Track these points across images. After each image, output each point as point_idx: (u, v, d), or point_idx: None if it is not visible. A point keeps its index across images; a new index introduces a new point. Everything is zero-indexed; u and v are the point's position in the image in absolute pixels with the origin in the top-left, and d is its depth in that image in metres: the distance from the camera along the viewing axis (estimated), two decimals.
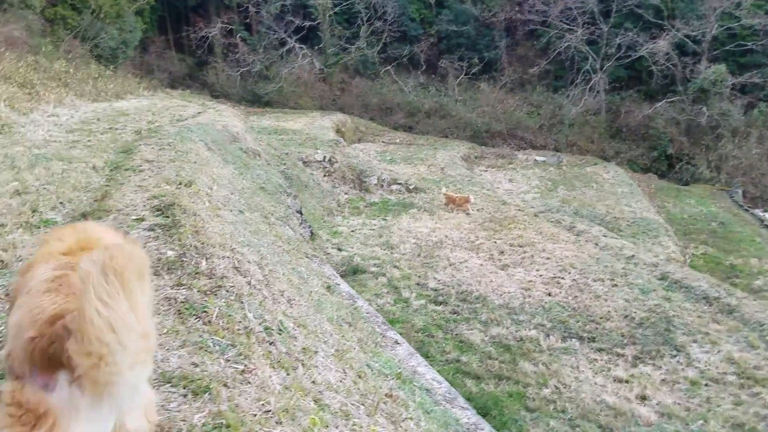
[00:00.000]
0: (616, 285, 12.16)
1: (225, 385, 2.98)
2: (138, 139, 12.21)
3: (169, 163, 9.04)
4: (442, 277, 12.97)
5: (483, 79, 42.59)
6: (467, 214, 18.62)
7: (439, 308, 11.35)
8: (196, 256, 4.40)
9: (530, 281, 12.51)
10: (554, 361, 9.13)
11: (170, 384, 2.89)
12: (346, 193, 20.82)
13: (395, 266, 13.83)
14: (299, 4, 43.61)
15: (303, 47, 42.82)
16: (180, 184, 7.29)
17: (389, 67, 44.15)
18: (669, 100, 35.87)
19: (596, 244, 15.23)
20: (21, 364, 1.81)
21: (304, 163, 20.92)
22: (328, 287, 6.64)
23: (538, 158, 34.76)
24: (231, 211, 7.65)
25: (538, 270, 13.23)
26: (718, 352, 9.20)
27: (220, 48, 44.27)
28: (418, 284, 12.69)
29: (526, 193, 25.57)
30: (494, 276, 12.88)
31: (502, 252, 14.65)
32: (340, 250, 15.37)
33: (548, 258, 14.02)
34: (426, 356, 9.41)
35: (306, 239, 12.91)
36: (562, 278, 12.66)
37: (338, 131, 33.72)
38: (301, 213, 15.26)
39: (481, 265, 13.71)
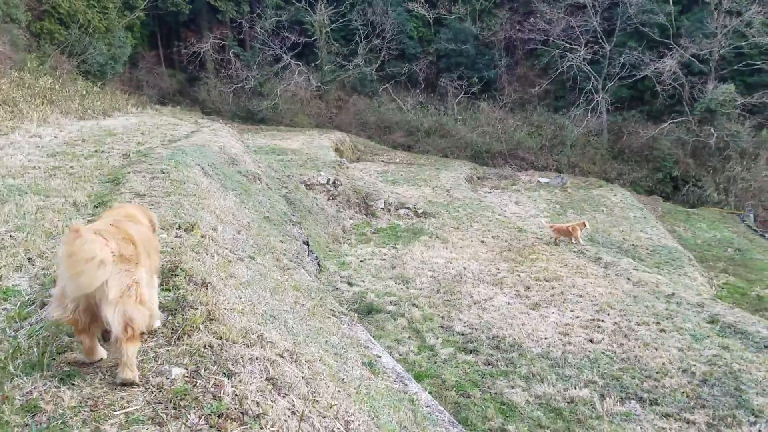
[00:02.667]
0: (663, 330, 10.87)
1: None
2: (127, 164, 10.84)
3: (165, 197, 7.68)
4: (468, 318, 11.61)
5: (483, 98, 41.69)
6: (581, 240, 17.62)
7: (471, 358, 9.98)
8: (215, 370, 3.05)
9: (567, 324, 11.18)
10: (616, 430, 7.79)
11: None
12: (351, 218, 19.49)
13: (414, 304, 12.47)
14: (295, 20, 42.63)
15: (299, 64, 41.76)
16: (180, 228, 5.93)
17: (387, 85, 43.17)
18: (674, 120, 34.99)
19: (629, 279, 13.97)
20: None
21: (307, 186, 19.58)
22: (371, 365, 5.29)
23: (541, 179, 33.72)
24: (242, 259, 6.29)
25: (572, 310, 11.91)
26: None
27: (213, 64, 43.11)
28: (442, 327, 11.33)
29: (534, 217, 24.32)
30: (526, 318, 11.53)
31: (529, 288, 13.34)
32: (350, 284, 13.99)
33: (581, 296, 12.73)
34: (465, 423, 8.05)
35: (325, 285, 11.56)
36: (602, 321, 11.35)
37: (337, 150, 32.54)
38: (308, 244, 13.89)
39: (509, 303, 12.38)
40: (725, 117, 32.99)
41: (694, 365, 9.45)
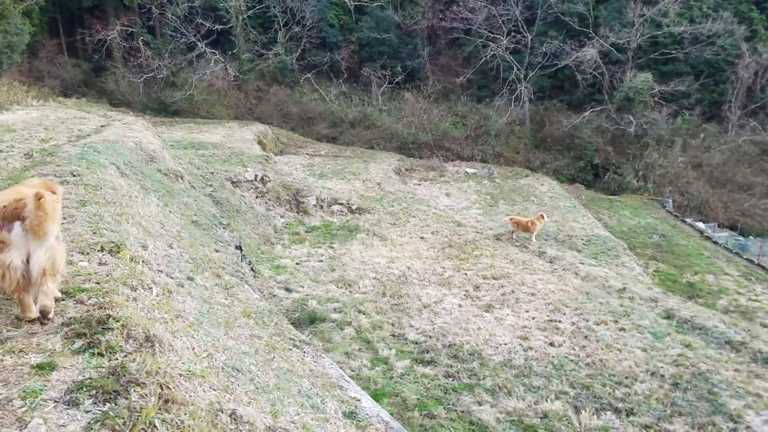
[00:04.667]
0: (623, 329, 10.58)
1: None
2: (30, 165, 9.20)
3: (79, 208, 6.33)
4: (421, 324, 10.85)
5: (407, 88, 41.13)
6: (534, 239, 16.95)
7: (429, 371, 9.21)
8: None
9: (524, 327, 10.66)
10: None
11: None
12: (282, 217, 18.26)
13: (360, 311, 11.57)
14: (209, 6, 40.27)
15: (215, 52, 39.51)
16: (103, 250, 4.71)
17: (309, 75, 41.71)
18: (594, 109, 35.89)
19: (576, 274, 13.73)
20: None
21: (233, 183, 18.14)
22: (353, 415, 4.35)
23: (468, 170, 33.66)
24: (182, 284, 5.15)
25: (527, 311, 11.43)
26: None
27: (120, 52, 39.99)
28: (393, 336, 10.49)
29: (467, 209, 24.01)
30: (481, 321, 10.91)
31: (478, 287, 12.77)
32: (288, 290, 12.88)
33: (533, 294, 12.30)
34: None
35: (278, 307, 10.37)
36: (559, 321, 10.92)
37: (260, 143, 30.94)
38: (240, 248, 12.64)
39: (461, 306, 11.73)
40: (642, 105, 34.13)
41: (662, 367, 9.15)
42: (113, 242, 4.89)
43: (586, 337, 10.26)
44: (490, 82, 41.42)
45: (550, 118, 38.84)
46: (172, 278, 5.12)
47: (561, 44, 35.68)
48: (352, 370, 9.36)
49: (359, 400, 4.69)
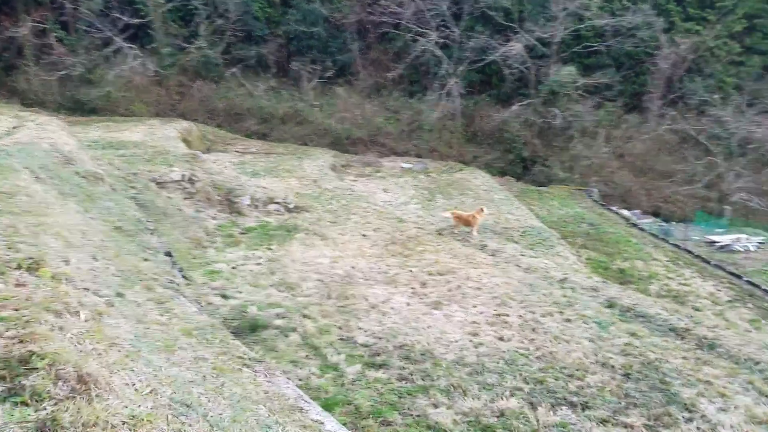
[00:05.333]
0: (568, 320, 10.61)
1: None
2: None
3: None
4: (369, 325, 10.47)
5: (339, 83, 40.56)
6: (476, 233, 16.61)
7: (382, 374, 8.84)
8: None
9: (473, 323, 10.48)
10: None
11: None
12: (214, 218, 17.38)
13: (305, 315, 11.06)
14: (126, 0, 38.14)
15: (133, 47, 37.49)
16: (20, 268, 4.04)
17: (235, 69, 40.29)
18: (522, 103, 36.60)
19: (518, 266, 13.76)
20: None
21: (158, 184, 17.10)
22: None
23: (404, 165, 33.55)
24: (112, 303, 4.53)
25: (475, 306, 11.28)
26: (735, 408, 7.90)
27: (31, 49, 37.22)
28: (342, 339, 10.06)
29: (405, 204, 23.85)
30: (430, 319, 10.66)
31: (425, 284, 12.53)
32: (225, 297, 12.16)
33: (479, 288, 12.18)
34: None
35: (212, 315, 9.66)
36: (507, 316, 10.82)
37: (185, 140, 29.59)
38: (170, 255, 11.83)
39: (408, 304, 11.44)
40: (566, 98, 35.07)
41: (611, 357, 9.20)
42: (31, 258, 4.22)
43: (533, 329, 10.21)
44: (421, 77, 41.45)
45: (480, 112, 39.31)
46: (100, 296, 4.49)
47: (488, 39, 36.12)
48: (301, 380, 8.86)
49: (323, 423, 4.26)
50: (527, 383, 8.51)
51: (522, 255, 14.87)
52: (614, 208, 29.61)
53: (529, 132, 36.92)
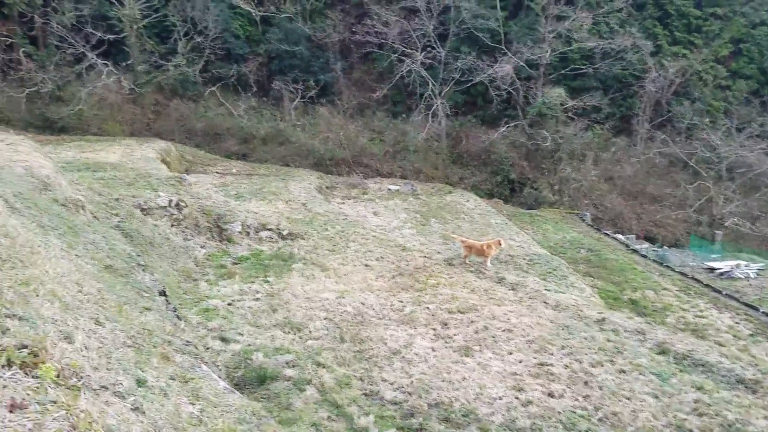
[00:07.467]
0: (623, 371, 9.52)
1: None
2: None
3: None
4: (395, 377, 9.21)
5: (321, 103, 39.51)
6: (490, 264, 15.45)
7: None
8: None
9: (515, 374, 9.32)
10: None
11: None
12: (203, 247, 15.96)
13: (319, 363, 9.75)
14: (100, 15, 36.59)
15: (107, 64, 35.82)
16: (11, 364, 2.74)
17: (214, 88, 38.93)
18: (509, 125, 36.03)
19: (545, 303, 12.67)
20: None
21: (143, 211, 15.63)
22: None
23: (391, 187, 32.46)
24: (139, 406, 3.23)
25: (511, 353, 10.12)
26: None
27: None
28: (366, 395, 8.78)
29: (399, 228, 22.70)
30: (463, 369, 9.46)
31: (446, 324, 11.34)
32: (224, 340, 10.79)
33: (509, 331, 11.03)
34: None
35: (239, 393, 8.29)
36: (551, 365, 9.68)
37: (164, 161, 28.07)
38: (165, 294, 10.42)
39: (434, 350, 10.22)
40: (554, 120, 34.60)
41: (684, 418, 8.14)
42: (25, 345, 2.93)
43: (586, 383, 9.09)
44: (405, 97, 40.70)
45: (466, 133, 38.65)
46: (124, 397, 3.20)
47: (474, 60, 35.56)
48: None
49: None
50: None
51: (546, 290, 13.80)
52: (609, 233, 28.97)
53: (517, 154, 36.35)
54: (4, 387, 2.52)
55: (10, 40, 35.02)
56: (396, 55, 37.66)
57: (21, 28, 36.53)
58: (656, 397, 8.82)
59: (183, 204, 16.90)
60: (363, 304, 12.47)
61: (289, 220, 19.28)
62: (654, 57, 35.02)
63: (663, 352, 10.47)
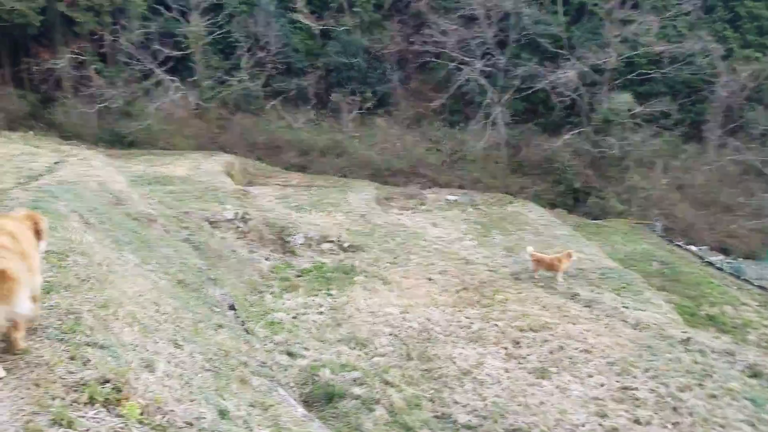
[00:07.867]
0: (713, 396, 8.91)
1: None
2: None
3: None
4: (467, 399, 8.91)
5: (378, 114, 39.64)
6: (561, 279, 15.13)
7: None
8: None
9: (596, 399, 8.84)
10: None
11: None
12: (267, 259, 16.12)
13: (386, 382, 9.56)
14: (166, 32, 37.99)
15: (174, 80, 37.13)
16: (93, 402, 2.66)
17: (275, 102, 39.71)
18: (572, 132, 35.02)
19: (624, 321, 12.06)
20: None
21: (211, 224, 15.95)
22: None
23: (449, 197, 32.05)
24: (210, 429, 3.10)
25: (591, 376, 9.63)
26: None
27: (70, 82, 37.16)
28: (438, 418, 8.52)
29: (460, 240, 22.30)
30: (540, 392, 9.05)
31: (518, 343, 10.93)
32: (291, 355, 10.77)
33: (587, 351, 10.52)
34: None
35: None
36: (635, 389, 9.14)
37: (229, 174, 28.72)
38: (234, 308, 10.50)
39: (507, 370, 9.85)
40: (620, 127, 33.41)
41: None
42: (108, 380, 2.84)
43: (674, 409, 8.53)
44: (462, 106, 40.30)
45: (527, 141, 37.86)
46: (199, 425, 3.08)
47: (536, 66, 34.82)
48: None
49: None
50: None
51: (625, 307, 13.12)
52: (681, 244, 27.63)
53: (581, 162, 35.19)
54: (88, 431, 2.42)
55: (82, 57, 36.73)
56: (454, 63, 37.37)
57: (92, 46, 38.35)
58: (753, 425, 8.18)
59: (248, 216, 17.16)
60: (428, 319, 12.21)
61: (349, 232, 19.26)
62: (725, 61, 33.40)
63: (755, 375, 9.75)
